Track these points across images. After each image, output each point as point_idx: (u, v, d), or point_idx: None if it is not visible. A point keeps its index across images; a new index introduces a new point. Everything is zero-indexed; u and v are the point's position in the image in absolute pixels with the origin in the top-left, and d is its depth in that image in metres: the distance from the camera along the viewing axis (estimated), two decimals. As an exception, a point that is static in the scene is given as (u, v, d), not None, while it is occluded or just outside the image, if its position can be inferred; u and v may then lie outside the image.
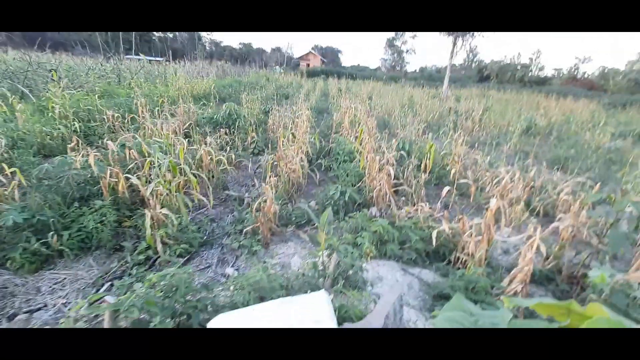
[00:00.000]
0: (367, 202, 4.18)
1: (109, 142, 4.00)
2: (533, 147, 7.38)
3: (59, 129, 5.90)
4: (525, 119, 10.12)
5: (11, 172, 3.80)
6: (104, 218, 3.45)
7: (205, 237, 3.67)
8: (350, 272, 2.21)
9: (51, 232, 3.20)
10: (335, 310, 1.31)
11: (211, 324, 1.21)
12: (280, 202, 4.07)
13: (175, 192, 3.78)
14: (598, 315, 0.83)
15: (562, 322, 0.81)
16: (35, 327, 2.29)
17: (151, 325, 1.41)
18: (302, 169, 4.90)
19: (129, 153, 4.13)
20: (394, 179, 4.53)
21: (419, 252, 3.06)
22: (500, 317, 0.93)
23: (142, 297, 1.48)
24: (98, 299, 1.47)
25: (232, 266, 3.23)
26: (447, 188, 3.64)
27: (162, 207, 3.41)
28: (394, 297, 1.35)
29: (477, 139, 8.14)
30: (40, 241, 3.14)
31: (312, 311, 1.23)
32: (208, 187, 4.40)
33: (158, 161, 3.64)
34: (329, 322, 1.19)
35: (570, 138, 9.15)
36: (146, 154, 4.14)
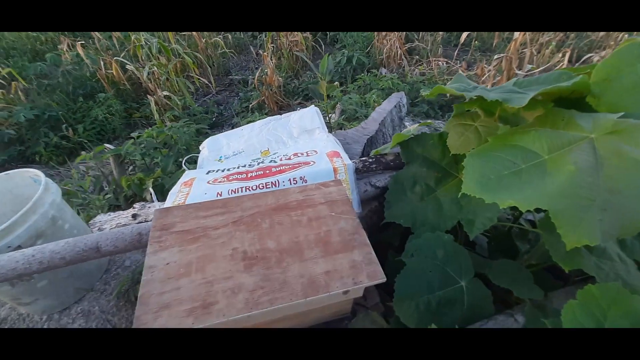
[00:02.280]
0: (377, 65, 3.85)
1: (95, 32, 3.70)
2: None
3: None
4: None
5: (9, 76, 3.74)
6: (111, 108, 3.46)
7: (214, 119, 3.65)
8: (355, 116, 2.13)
9: (64, 125, 3.27)
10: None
11: (203, 145, 1.20)
12: (284, 75, 3.83)
13: (175, 76, 3.63)
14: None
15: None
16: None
17: (154, 166, 1.44)
18: (305, 41, 4.45)
19: (116, 39, 3.84)
20: (407, 41, 4.06)
21: (431, 104, 2.90)
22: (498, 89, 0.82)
23: (144, 146, 1.50)
24: (101, 150, 1.54)
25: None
26: (466, 33, 3.21)
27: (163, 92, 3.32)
28: (390, 105, 1.27)
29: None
30: (58, 135, 3.26)
31: (304, 122, 1.18)
32: (209, 73, 4.18)
33: (145, 42, 3.39)
34: (321, 130, 1.14)
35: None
36: (134, 41, 3.85)
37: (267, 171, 0.87)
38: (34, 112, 3.29)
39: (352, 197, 0.83)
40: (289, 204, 0.69)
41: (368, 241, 0.62)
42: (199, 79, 3.77)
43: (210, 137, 1.20)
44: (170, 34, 3.75)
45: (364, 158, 0.89)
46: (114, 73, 3.46)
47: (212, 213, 0.67)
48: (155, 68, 3.25)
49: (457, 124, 0.81)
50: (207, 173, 0.93)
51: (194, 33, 4.33)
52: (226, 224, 0.64)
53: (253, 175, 0.86)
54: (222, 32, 5.15)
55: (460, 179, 0.87)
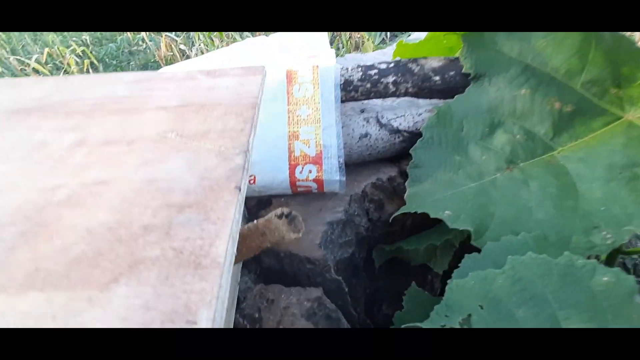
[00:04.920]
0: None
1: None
2: None
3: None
4: None
5: (84, 55, 4.02)
6: (161, 88, 3.46)
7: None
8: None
9: (116, 100, 3.35)
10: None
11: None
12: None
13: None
14: None
15: None
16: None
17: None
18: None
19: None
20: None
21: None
22: None
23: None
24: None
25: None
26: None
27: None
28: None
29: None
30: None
31: (305, 44, 0.72)
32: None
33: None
34: (327, 53, 0.66)
35: None
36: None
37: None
38: (94, 87, 3.45)
39: (321, 141, 0.34)
40: (71, 103, 0.23)
41: (222, 258, 0.12)
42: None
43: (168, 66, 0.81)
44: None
45: (369, 64, 0.39)
46: (165, 52, 3.44)
47: None
48: (203, 45, 3.11)
49: None
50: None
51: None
52: None
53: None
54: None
55: (630, 122, 0.32)
